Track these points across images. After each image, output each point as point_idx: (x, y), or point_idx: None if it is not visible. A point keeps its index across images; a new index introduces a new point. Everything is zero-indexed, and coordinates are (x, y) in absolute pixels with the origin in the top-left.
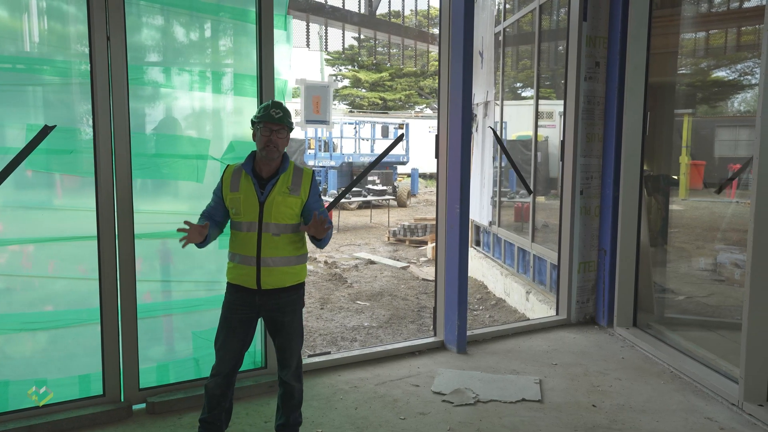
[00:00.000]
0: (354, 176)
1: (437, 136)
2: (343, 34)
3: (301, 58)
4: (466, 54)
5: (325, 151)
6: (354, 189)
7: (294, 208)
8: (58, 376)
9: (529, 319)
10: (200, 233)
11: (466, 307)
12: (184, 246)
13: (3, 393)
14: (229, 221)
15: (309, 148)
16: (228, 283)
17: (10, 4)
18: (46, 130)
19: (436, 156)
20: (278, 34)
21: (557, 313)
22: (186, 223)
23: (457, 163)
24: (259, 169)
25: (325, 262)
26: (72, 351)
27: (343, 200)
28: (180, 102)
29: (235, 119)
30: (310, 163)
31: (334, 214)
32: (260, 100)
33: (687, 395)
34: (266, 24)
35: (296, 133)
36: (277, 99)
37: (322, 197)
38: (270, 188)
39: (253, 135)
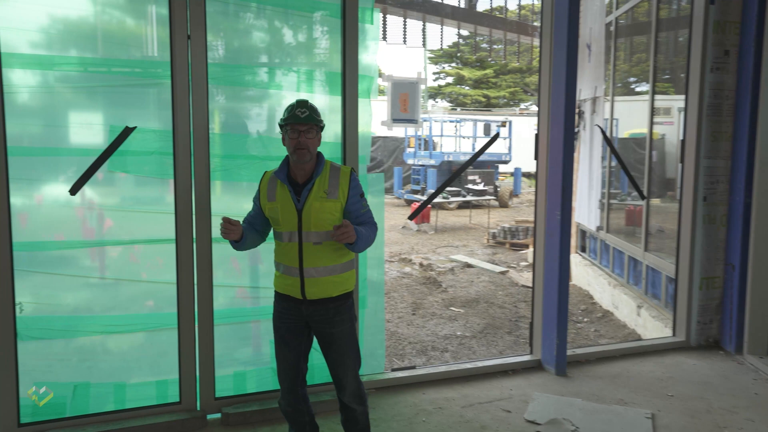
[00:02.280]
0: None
1: (537, 136)
2: (442, 29)
3: (404, 56)
4: (570, 46)
5: (424, 150)
6: (453, 189)
7: (334, 213)
8: (138, 381)
9: (640, 339)
10: (238, 231)
11: (566, 324)
12: (224, 236)
13: (84, 395)
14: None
15: (408, 146)
16: (275, 292)
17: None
18: (127, 131)
19: (536, 157)
20: (365, 28)
21: (674, 334)
22: (223, 219)
23: (558, 165)
24: (294, 174)
25: (420, 264)
26: (152, 355)
27: (441, 200)
28: (267, 102)
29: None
30: (409, 161)
31: (432, 214)
32: (344, 98)
33: None
34: (350, 17)
35: (396, 132)
36: (362, 97)
37: (418, 195)
38: (306, 194)
39: (282, 139)
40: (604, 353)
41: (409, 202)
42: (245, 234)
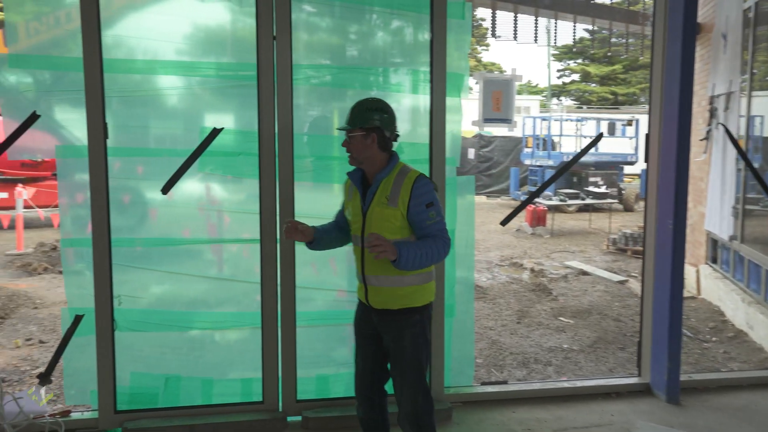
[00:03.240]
0: (574, 177)
1: (647, 136)
2: (555, 24)
3: (526, 54)
4: (687, 34)
5: (543, 150)
6: (572, 191)
7: (393, 222)
8: (227, 377)
9: None
10: (302, 232)
11: (679, 346)
12: (286, 238)
13: (175, 387)
14: None
15: (526, 146)
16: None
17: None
18: (214, 133)
19: (646, 160)
20: (456, 24)
21: None
22: (288, 221)
23: (671, 169)
24: (369, 175)
25: (532, 270)
26: (246, 352)
27: (559, 203)
28: (345, 101)
29: (409, 118)
30: (527, 162)
31: (548, 217)
32: (432, 96)
33: None
34: (438, 12)
35: (514, 131)
36: (451, 96)
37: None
38: (370, 198)
39: None
40: (727, 381)
41: None
42: (321, 235)
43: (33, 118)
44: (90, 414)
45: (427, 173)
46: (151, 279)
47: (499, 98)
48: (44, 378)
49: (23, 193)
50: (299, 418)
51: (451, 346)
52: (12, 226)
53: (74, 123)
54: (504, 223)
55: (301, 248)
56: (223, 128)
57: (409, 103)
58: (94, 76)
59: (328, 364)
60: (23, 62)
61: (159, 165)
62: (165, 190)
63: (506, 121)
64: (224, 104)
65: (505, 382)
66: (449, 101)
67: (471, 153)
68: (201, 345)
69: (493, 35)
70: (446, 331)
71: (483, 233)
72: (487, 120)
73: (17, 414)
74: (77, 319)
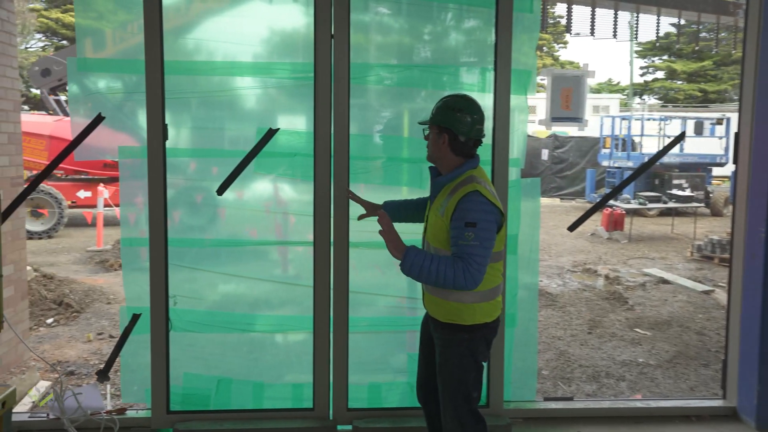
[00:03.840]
0: (656, 179)
1: (737, 134)
2: (637, 17)
3: (607, 51)
4: None
5: (622, 151)
6: (653, 194)
7: (441, 234)
8: (276, 382)
9: None
10: (373, 208)
11: None
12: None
13: (226, 390)
14: None
15: (604, 147)
16: None
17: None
18: (270, 133)
19: (735, 161)
20: (524, 18)
21: None
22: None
23: (764, 171)
24: None
25: (606, 277)
26: (297, 356)
27: (638, 206)
28: (415, 102)
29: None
30: (605, 163)
31: (626, 221)
32: (495, 94)
33: None
34: (504, 5)
35: (590, 131)
36: (517, 94)
37: (618, 203)
38: (432, 201)
39: None
40: None
41: None
42: (393, 210)
43: (98, 120)
44: (144, 413)
45: (489, 174)
46: (217, 279)
47: (568, 96)
48: (102, 375)
49: (104, 192)
50: (350, 427)
51: (512, 357)
52: (94, 223)
53: None
54: (572, 228)
55: (355, 251)
56: (279, 129)
57: (479, 103)
58: (155, 78)
59: (384, 372)
60: (91, 66)
61: (233, 166)
62: (220, 191)
63: (576, 120)
64: (297, 105)
65: (570, 399)
66: (515, 99)
67: (545, 154)
68: (259, 347)
69: (568, 31)
70: (507, 342)
71: (555, 237)
72: (555, 119)
73: (76, 409)
74: (134, 318)
